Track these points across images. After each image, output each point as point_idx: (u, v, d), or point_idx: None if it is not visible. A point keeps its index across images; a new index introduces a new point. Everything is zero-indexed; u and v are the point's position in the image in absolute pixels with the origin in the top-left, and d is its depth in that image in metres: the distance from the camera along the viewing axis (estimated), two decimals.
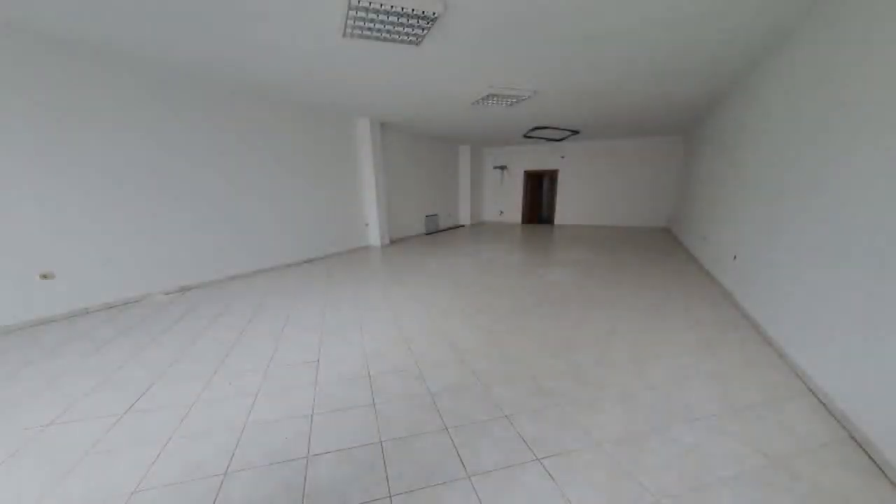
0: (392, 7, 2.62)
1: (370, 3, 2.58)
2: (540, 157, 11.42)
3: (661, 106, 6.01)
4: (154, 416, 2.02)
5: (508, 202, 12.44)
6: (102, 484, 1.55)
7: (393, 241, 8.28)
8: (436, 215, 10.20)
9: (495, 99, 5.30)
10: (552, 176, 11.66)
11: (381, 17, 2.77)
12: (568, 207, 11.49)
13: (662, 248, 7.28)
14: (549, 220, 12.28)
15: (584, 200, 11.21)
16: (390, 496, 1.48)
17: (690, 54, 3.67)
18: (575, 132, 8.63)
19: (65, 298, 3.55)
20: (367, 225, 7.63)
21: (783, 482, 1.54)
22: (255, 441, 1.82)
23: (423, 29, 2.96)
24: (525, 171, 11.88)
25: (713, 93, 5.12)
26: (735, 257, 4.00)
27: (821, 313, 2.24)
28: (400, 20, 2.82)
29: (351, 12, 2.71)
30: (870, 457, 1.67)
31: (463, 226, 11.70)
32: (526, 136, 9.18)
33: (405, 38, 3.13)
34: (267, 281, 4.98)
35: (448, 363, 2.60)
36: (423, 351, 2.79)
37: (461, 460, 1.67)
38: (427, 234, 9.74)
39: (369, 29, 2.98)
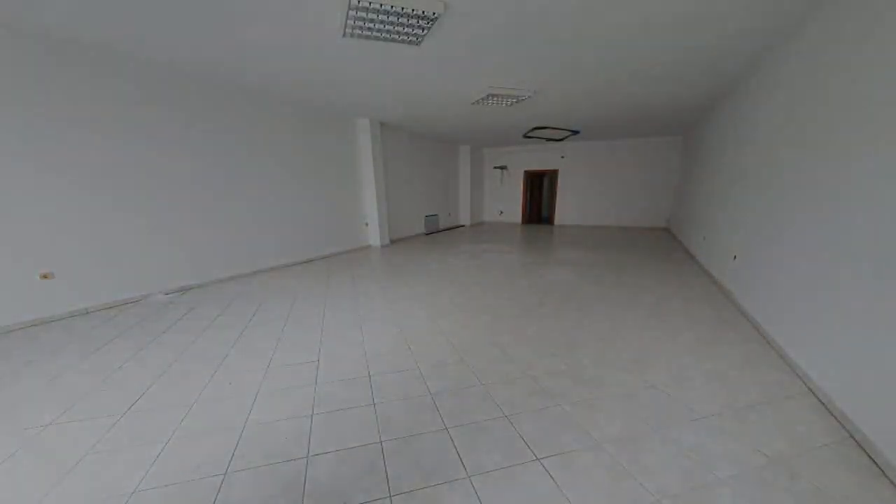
0: (392, 7, 2.62)
1: (370, 3, 2.58)
2: (540, 157, 11.42)
3: (661, 106, 6.01)
4: (154, 416, 2.02)
5: (508, 202, 12.44)
6: (102, 484, 1.55)
7: (393, 241, 8.28)
8: (436, 215, 10.20)
9: (495, 99, 5.30)
10: (552, 176, 11.67)
11: (382, 17, 2.77)
12: (568, 207, 11.49)
13: (662, 248, 7.28)
14: (549, 220, 12.28)
15: (584, 200, 11.21)
16: (390, 496, 1.48)
17: (690, 54, 3.67)
18: (575, 132, 8.63)
19: (65, 298, 3.55)
20: (366, 225, 7.63)
21: (783, 482, 1.54)
22: (255, 441, 1.81)
23: (423, 29, 2.96)
24: (525, 171, 11.88)
25: (713, 93, 5.13)
26: (735, 257, 4.00)
27: (821, 313, 2.24)
28: (400, 20, 2.82)
29: (351, 12, 2.71)
30: (870, 457, 1.67)
31: (463, 226, 11.70)
32: (526, 136, 9.18)
33: (405, 38, 3.13)
34: (267, 281, 4.98)
35: (448, 363, 2.60)
36: (424, 351, 2.79)
37: (461, 460, 1.67)
38: (427, 234, 9.74)
39: (369, 29, 2.98)
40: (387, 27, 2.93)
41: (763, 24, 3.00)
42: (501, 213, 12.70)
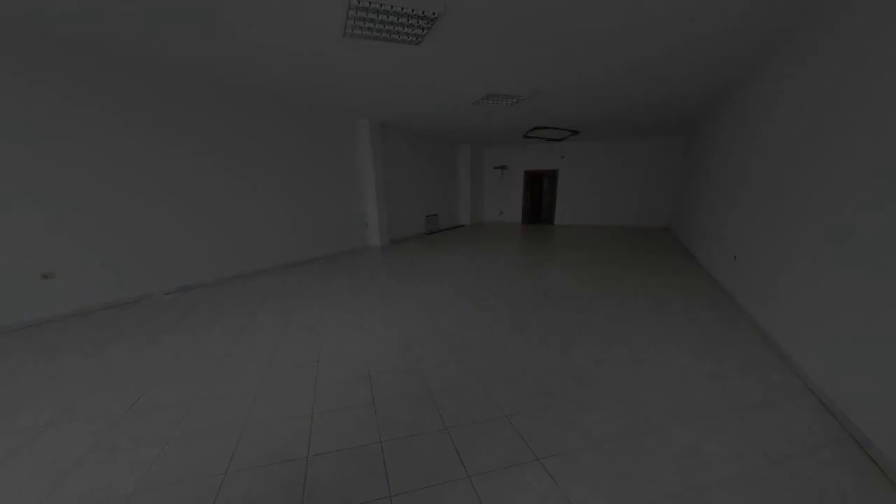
0: (392, 7, 2.62)
1: (370, 3, 2.58)
2: (540, 157, 11.42)
3: (662, 106, 6.01)
4: (154, 416, 2.02)
5: (508, 202, 12.44)
6: (102, 484, 1.55)
7: (393, 241, 8.28)
8: (436, 215, 10.20)
9: (495, 99, 5.30)
10: (552, 176, 11.67)
11: (381, 16, 2.77)
12: (568, 207, 11.49)
13: (662, 247, 7.28)
14: (549, 220, 12.28)
15: (584, 200, 11.21)
16: (390, 496, 1.48)
17: (691, 54, 3.67)
18: (575, 132, 8.63)
19: (65, 298, 3.55)
20: (367, 225, 7.63)
21: (783, 482, 1.54)
22: (255, 441, 1.81)
23: (423, 29, 2.96)
24: (525, 171, 11.88)
25: (713, 93, 5.12)
26: (735, 257, 4.00)
27: (821, 313, 2.24)
28: (400, 20, 2.82)
29: (351, 12, 2.71)
30: (870, 457, 1.67)
31: (463, 226, 11.70)
32: (526, 136, 9.18)
33: (405, 38, 3.13)
34: (267, 281, 4.98)
35: (448, 363, 2.60)
36: (423, 351, 2.79)
37: (461, 460, 1.67)
38: (427, 234, 9.74)
39: (369, 29, 2.98)
40: (387, 27, 2.93)
41: (763, 23, 2.99)
42: (501, 213, 12.69)
